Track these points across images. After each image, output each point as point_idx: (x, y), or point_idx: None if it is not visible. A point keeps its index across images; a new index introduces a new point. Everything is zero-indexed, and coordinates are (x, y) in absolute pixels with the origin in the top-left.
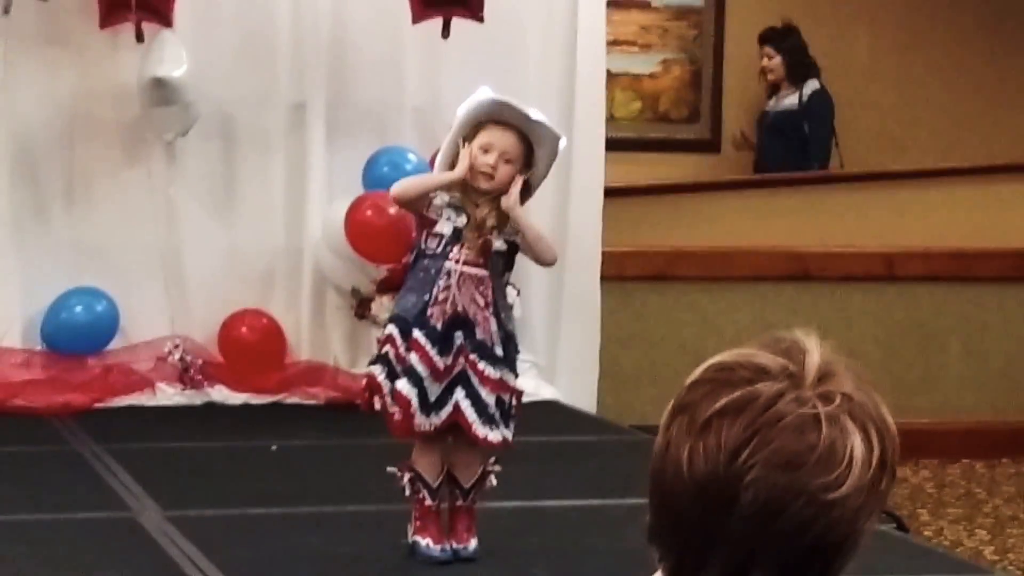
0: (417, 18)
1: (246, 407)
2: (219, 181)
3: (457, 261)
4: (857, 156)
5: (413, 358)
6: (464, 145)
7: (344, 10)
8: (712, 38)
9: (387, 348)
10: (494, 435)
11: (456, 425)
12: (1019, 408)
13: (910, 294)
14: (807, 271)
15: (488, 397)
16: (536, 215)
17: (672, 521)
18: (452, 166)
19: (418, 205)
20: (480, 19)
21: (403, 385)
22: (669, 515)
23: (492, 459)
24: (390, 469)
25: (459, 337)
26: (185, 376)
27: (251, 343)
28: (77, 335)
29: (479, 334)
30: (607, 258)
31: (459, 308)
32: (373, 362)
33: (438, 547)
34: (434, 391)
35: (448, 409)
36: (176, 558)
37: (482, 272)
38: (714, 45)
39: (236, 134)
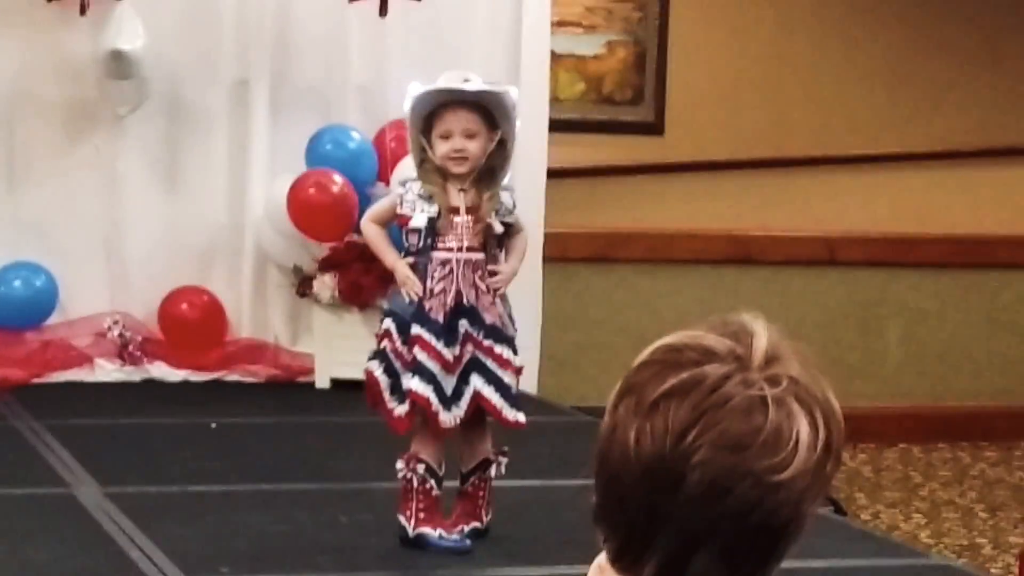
0: None
1: (185, 384)
2: (161, 157)
3: (454, 249)
4: (800, 142)
5: (421, 355)
6: (424, 140)
7: None
8: (657, 20)
9: (384, 343)
10: (520, 416)
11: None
12: (956, 394)
13: (850, 279)
14: (748, 255)
15: (510, 380)
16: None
17: (618, 502)
18: (421, 161)
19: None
20: None
21: (417, 384)
22: (615, 496)
23: (501, 448)
24: (398, 465)
25: (463, 325)
26: (124, 352)
27: (191, 320)
28: (15, 310)
29: (488, 319)
30: (549, 239)
31: (462, 297)
32: (371, 358)
33: (453, 534)
34: (449, 384)
35: (467, 399)
36: (113, 534)
37: (480, 256)
38: (659, 27)
39: (179, 110)
